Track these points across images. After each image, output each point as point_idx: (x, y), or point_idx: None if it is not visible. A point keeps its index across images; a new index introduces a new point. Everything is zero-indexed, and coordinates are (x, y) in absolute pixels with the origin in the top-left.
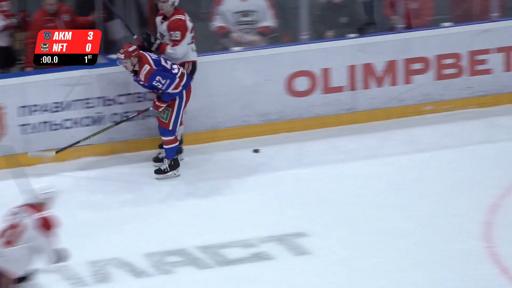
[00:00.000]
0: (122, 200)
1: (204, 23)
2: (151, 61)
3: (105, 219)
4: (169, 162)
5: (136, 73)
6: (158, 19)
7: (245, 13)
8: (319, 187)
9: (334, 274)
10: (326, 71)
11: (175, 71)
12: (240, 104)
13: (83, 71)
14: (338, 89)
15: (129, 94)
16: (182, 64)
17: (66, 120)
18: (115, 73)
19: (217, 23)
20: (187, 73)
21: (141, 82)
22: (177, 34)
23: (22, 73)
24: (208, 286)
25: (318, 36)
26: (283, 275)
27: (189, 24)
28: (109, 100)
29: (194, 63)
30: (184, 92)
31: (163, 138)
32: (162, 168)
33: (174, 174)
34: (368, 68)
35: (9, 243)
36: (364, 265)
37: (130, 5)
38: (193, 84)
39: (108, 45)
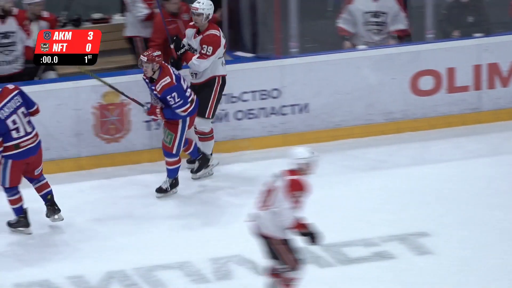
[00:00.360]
0: (245, 197)
1: (330, 21)
2: (173, 74)
3: (234, 216)
4: (170, 181)
5: (152, 81)
6: (190, 31)
7: (375, 13)
8: (441, 186)
9: (454, 274)
10: (451, 71)
11: (188, 94)
12: (364, 102)
13: None
14: (463, 89)
15: (254, 91)
16: (212, 78)
17: None
18: (241, 70)
19: (342, 23)
20: (196, 99)
21: (155, 92)
22: (209, 49)
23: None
24: (330, 285)
25: (444, 35)
26: (404, 275)
27: (223, 40)
28: (233, 97)
29: (223, 77)
30: (188, 118)
31: (167, 159)
32: (163, 187)
33: (173, 192)
34: (493, 68)
35: (265, 206)
36: (485, 266)
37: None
38: (317, 81)
39: (234, 42)
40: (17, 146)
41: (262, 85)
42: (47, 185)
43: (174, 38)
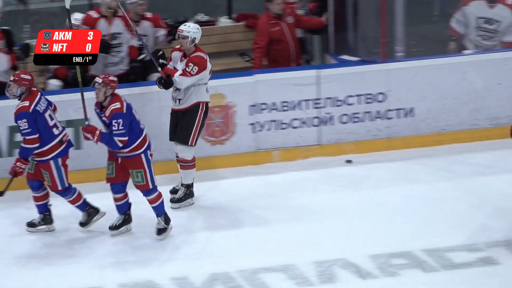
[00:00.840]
0: (349, 200)
1: (436, 26)
2: (124, 102)
3: (338, 219)
4: (163, 218)
5: (102, 108)
6: (177, 54)
7: (489, 20)
8: None
9: None
10: None
11: (142, 127)
12: (469, 107)
13: (313, 71)
14: None
15: (359, 95)
16: (196, 105)
17: (294, 119)
18: (346, 74)
19: (454, 23)
20: (149, 140)
21: (104, 118)
22: (194, 69)
23: (252, 71)
24: None
25: None
26: (508, 281)
27: (209, 65)
28: (338, 100)
29: (207, 104)
30: (148, 152)
31: (148, 198)
32: (160, 227)
33: (170, 228)
34: None
35: None
36: None
37: None
38: (422, 86)
39: (340, 45)
40: (61, 142)
41: (367, 89)
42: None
43: (155, 51)
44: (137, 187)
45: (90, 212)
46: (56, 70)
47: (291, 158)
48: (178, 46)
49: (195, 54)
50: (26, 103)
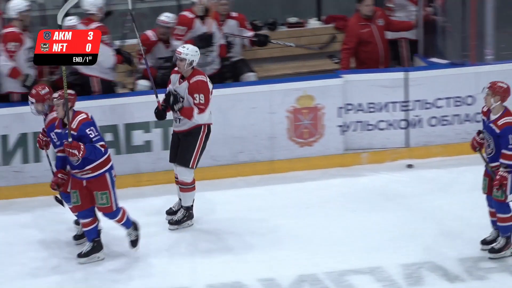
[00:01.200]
0: (438, 203)
1: None
2: (89, 114)
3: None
4: (132, 229)
5: (64, 125)
6: (175, 77)
7: None
8: None
9: None
10: None
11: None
12: None
13: (400, 73)
14: None
15: (448, 98)
16: (198, 127)
17: (381, 121)
18: (436, 77)
19: None
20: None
21: (73, 132)
22: (201, 97)
23: (339, 72)
24: None
25: None
26: None
27: (210, 86)
28: (427, 103)
29: (209, 126)
30: (112, 171)
31: (113, 220)
32: (132, 239)
33: (136, 249)
34: None
35: None
36: None
37: None
38: None
39: (429, 48)
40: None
41: (456, 91)
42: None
43: (169, 93)
44: (101, 209)
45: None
46: (145, 70)
47: (380, 160)
48: (176, 68)
49: (194, 78)
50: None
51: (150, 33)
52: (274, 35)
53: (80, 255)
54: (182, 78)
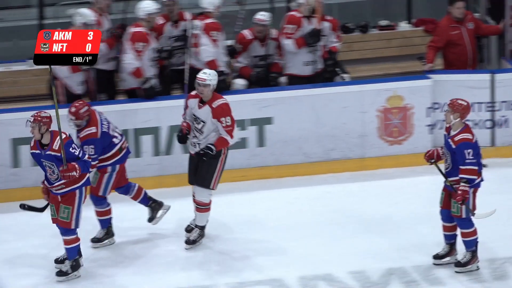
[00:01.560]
0: None
1: None
2: (100, 126)
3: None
4: (70, 263)
5: (42, 146)
6: (193, 101)
7: None
8: None
9: None
10: None
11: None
12: None
13: (487, 75)
14: None
15: None
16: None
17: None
18: None
19: None
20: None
21: (52, 154)
22: (228, 120)
23: (426, 72)
24: None
25: None
26: None
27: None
28: None
29: (228, 148)
30: (84, 188)
31: (65, 237)
32: (63, 269)
33: (75, 276)
34: None
35: None
36: None
37: None
38: None
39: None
40: (120, 149)
41: None
42: (139, 187)
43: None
44: (59, 222)
45: (109, 230)
46: (241, 69)
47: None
48: (194, 93)
49: (216, 102)
50: (94, 130)
51: (246, 32)
52: (365, 37)
53: (58, 274)
54: (202, 102)
